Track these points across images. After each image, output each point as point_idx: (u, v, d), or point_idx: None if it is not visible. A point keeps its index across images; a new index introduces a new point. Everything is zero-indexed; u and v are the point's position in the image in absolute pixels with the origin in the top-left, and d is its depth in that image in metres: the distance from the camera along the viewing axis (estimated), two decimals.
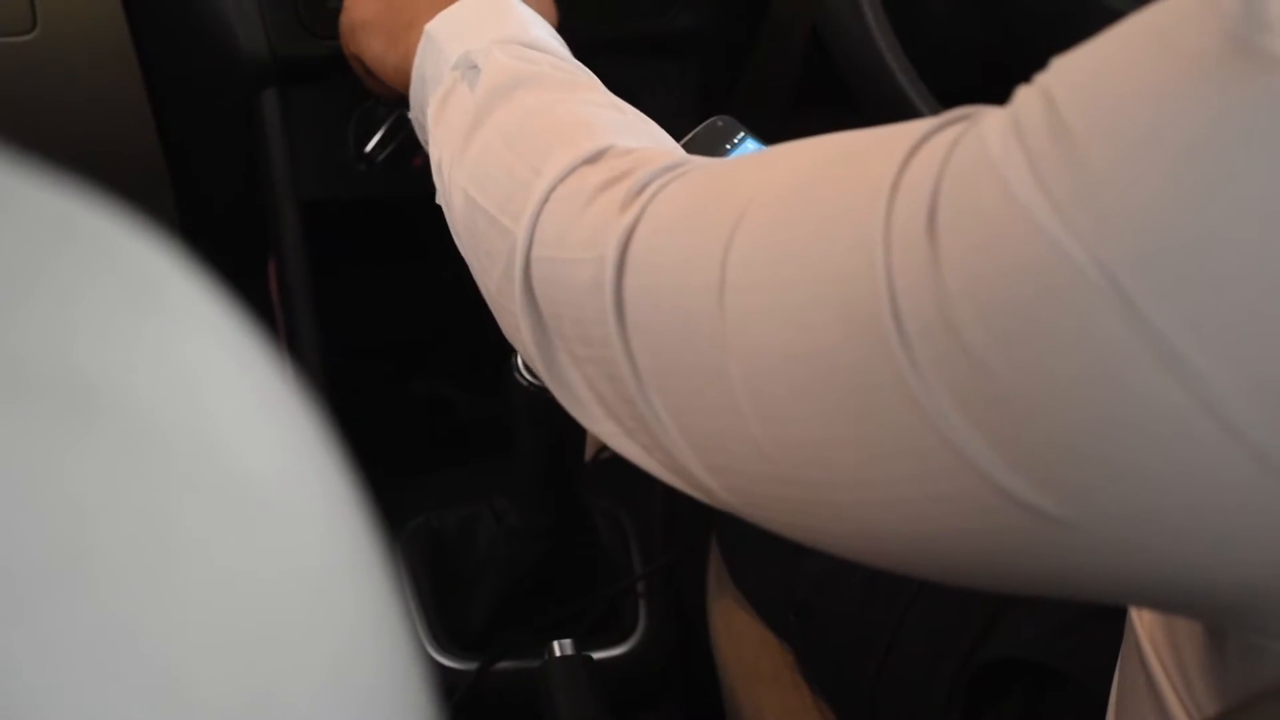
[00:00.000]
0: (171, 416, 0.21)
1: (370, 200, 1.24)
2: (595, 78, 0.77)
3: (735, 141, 0.89)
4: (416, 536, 1.27)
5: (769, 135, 1.49)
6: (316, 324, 1.26)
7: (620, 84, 1.26)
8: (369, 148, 1.20)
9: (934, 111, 1.03)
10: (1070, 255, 0.40)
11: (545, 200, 0.64)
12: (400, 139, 1.20)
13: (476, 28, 0.79)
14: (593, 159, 0.64)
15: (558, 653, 1.11)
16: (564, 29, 1.22)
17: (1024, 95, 0.45)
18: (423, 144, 0.80)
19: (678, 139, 0.87)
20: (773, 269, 0.50)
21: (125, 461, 0.20)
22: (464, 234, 0.71)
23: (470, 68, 0.76)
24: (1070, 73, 0.44)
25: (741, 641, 1.10)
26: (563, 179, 0.63)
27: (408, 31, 0.85)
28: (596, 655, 1.15)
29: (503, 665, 1.17)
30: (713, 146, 0.88)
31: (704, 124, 0.89)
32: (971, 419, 0.43)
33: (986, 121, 0.46)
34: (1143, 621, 0.58)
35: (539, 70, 0.74)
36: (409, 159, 1.22)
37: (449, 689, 1.16)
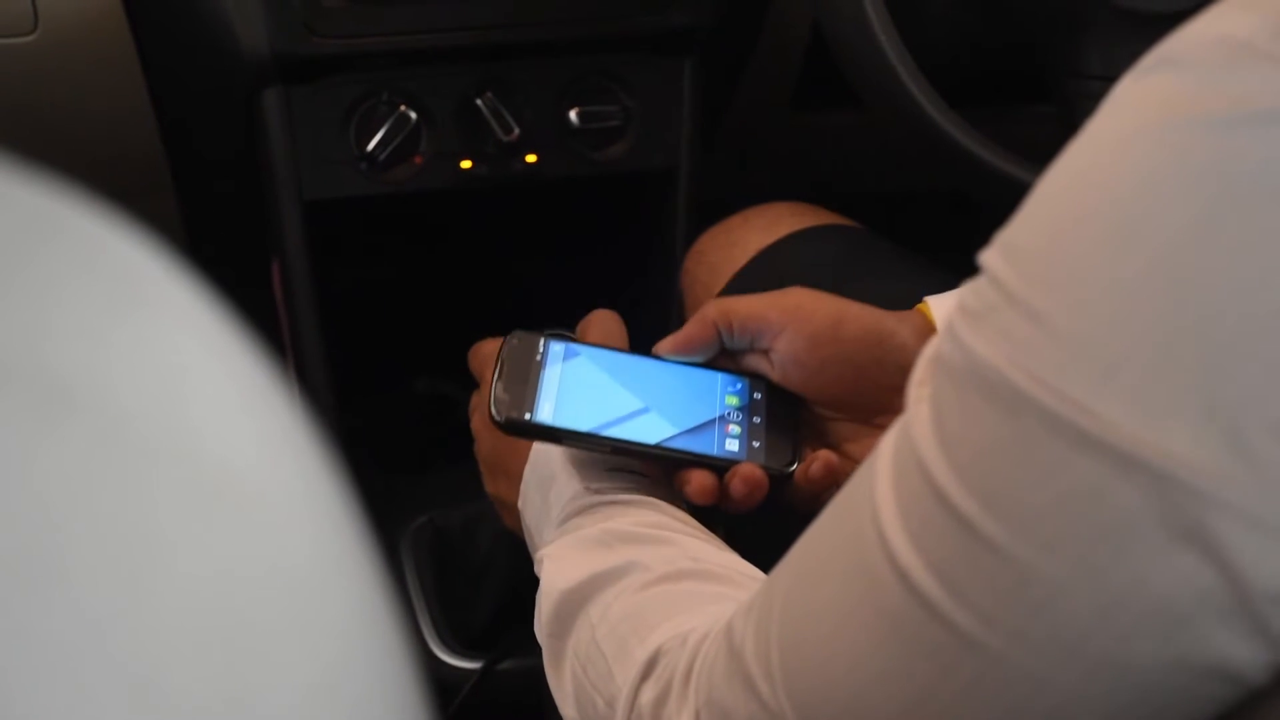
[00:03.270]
0: (148, 414, 0.20)
1: (372, 199, 1.24)
2: (639, 513, 0.79)
3: (541, 351, 0.84)
4: (420, 536, 1.27)
5: (770, 135, 1.49)
6: (320, 323, 1.26)
7: (618, 82, 1.26)
8: (370, 146, 1.20)
9: (938, 108, 1.02)
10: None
11: None
12: (402, 137, 1.20)
13: (539, 519, 0.84)
14: (646, 672, 0.67)
15: None
16: (562, 26, 1.22)
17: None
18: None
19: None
20: (806, 621, 0.55)
21: (99, 459, 0.19)
22: None
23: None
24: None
25: None
26: (630, 710, 0.67)
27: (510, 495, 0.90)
28: None
29: (507, 664, 1.17)
30: (524, 364, 0.83)
31: (503, 346, 0.84)
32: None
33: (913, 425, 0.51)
34: None
35: (591, 576, 0.75)
36: (410, 157, 1.22)
37: (453, 688, 1.16)
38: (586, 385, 0.83)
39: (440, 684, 1.18)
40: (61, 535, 0.18)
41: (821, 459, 0.81)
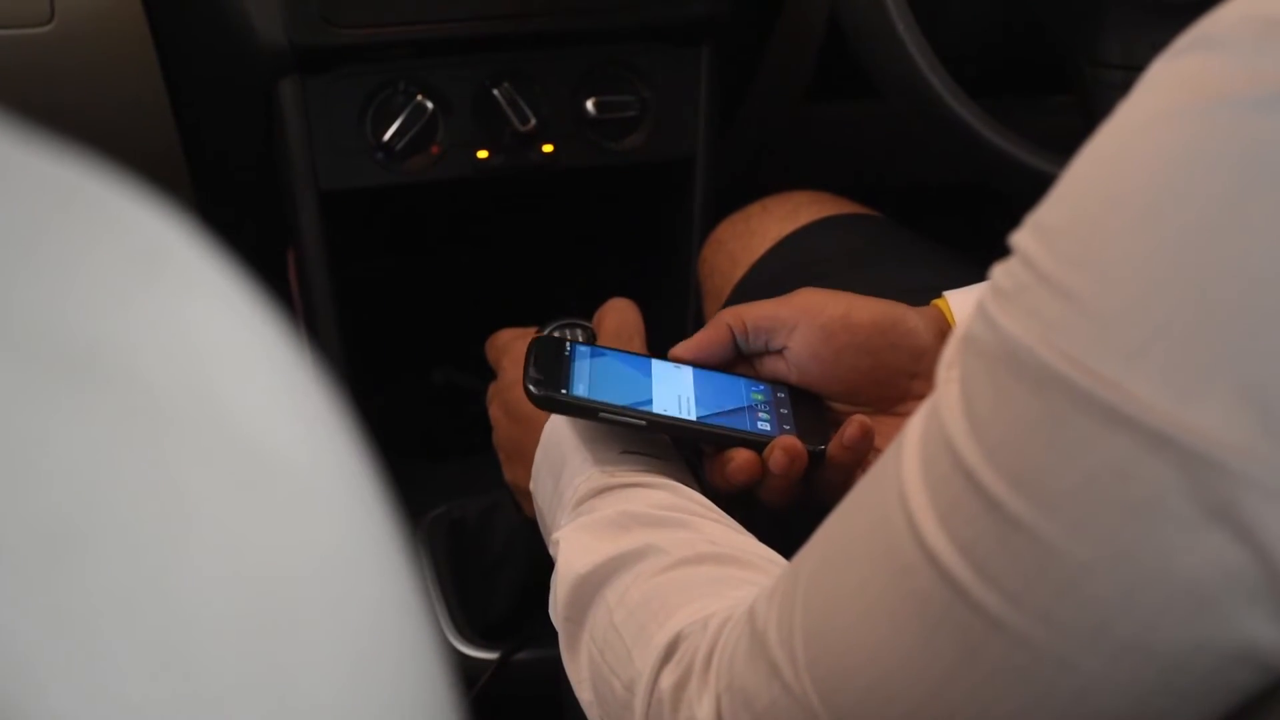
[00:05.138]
0: (176, 384, 0.20)
1: (389, 189, 1.24)
2: (655, 496, 0.79)
3: (569, 350, 0.84)
4: (437, 526, 1.27)
5: (786, 125, 1.49)
6: (336, 313, 1.26)
7: (635, 72, 1.26)
8: (387, 136, 1.20)
9: (957, 98, 1.02)
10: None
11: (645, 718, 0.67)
12: (418, 127, 1.20)
13: (550, 502, 0.83)
14: (666, 656, 0.67)
15: None
16: (579, 16, 1.22)
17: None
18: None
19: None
20: (832, 595, 0.55)
21: (126, 429, 0.19)
22: None
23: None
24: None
25: None
26: (650, 694, 0.67)
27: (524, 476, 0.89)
28: None
29: (524, 655, 1.17)
30: (554, 355, 0.84)
31: (532, 342, 0.85)
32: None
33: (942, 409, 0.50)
34: None
35: (607, 560, 0.75)
36: (427, 147, 1.22)
37: (470, 678, 1.16)
38: (615, 374, 0.84)
39: (457, 674, 1.18)
40: (87, 508, 0.18)
41: (857, 422, 0.80)
